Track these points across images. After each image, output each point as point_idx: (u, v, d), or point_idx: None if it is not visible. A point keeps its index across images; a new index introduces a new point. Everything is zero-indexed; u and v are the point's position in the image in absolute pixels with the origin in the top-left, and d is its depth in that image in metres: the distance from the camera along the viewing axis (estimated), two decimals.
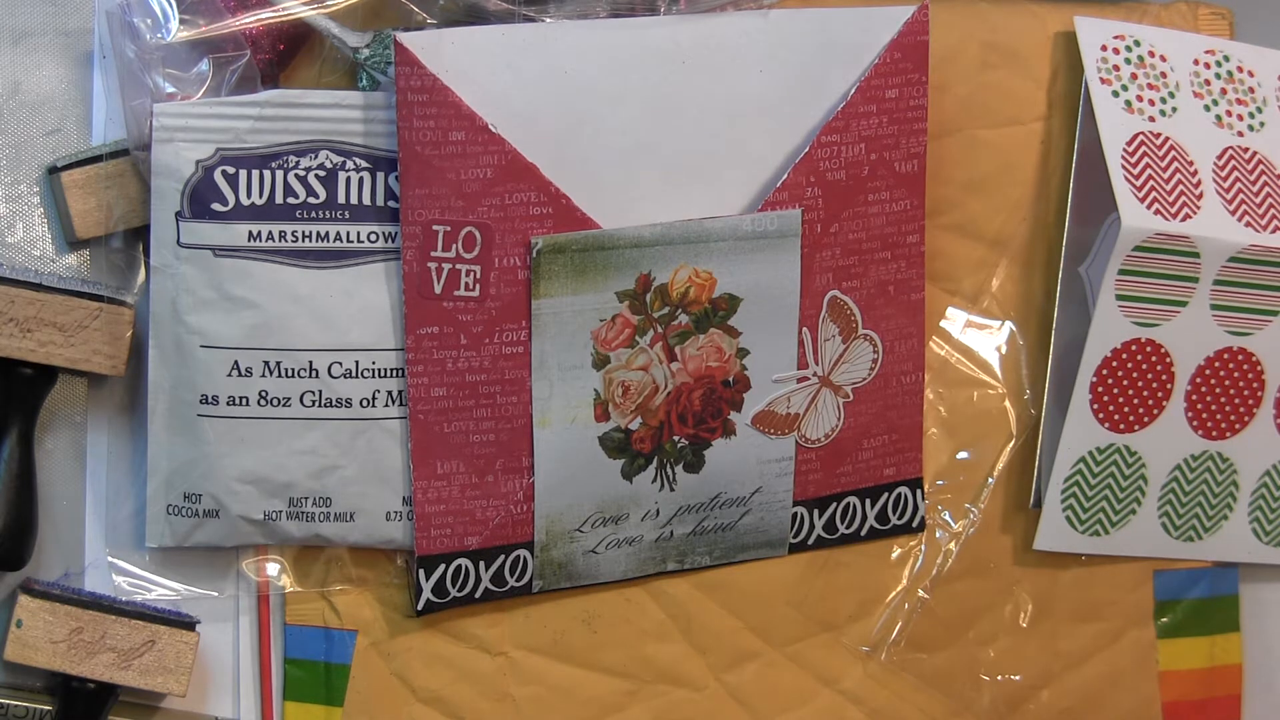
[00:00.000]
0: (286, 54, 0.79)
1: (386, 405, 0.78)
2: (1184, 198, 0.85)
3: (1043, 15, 0.88)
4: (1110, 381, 0.86)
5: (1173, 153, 0.86)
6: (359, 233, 0.78)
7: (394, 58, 0.75)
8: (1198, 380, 0.87)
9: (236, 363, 0.78)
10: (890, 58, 0.81)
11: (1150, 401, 0.87)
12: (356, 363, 0.78)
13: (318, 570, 0.82)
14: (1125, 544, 0.89)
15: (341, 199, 0.78)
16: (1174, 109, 0.87)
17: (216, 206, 0.77)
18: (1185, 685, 0.91)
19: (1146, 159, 0.85)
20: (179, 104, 0.77)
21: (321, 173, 0.77)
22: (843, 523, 0.87)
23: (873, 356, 0.84)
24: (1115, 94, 0.86)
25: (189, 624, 0.79)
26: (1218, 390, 0.88)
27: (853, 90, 0.80)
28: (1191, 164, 0.86)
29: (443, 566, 0.80)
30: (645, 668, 0.85)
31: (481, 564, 0.81)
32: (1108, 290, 0.85)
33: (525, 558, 0.82)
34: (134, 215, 0.78)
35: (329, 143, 0.77)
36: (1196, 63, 0.88)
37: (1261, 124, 0.88)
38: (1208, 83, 0.88)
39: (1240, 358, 0.87)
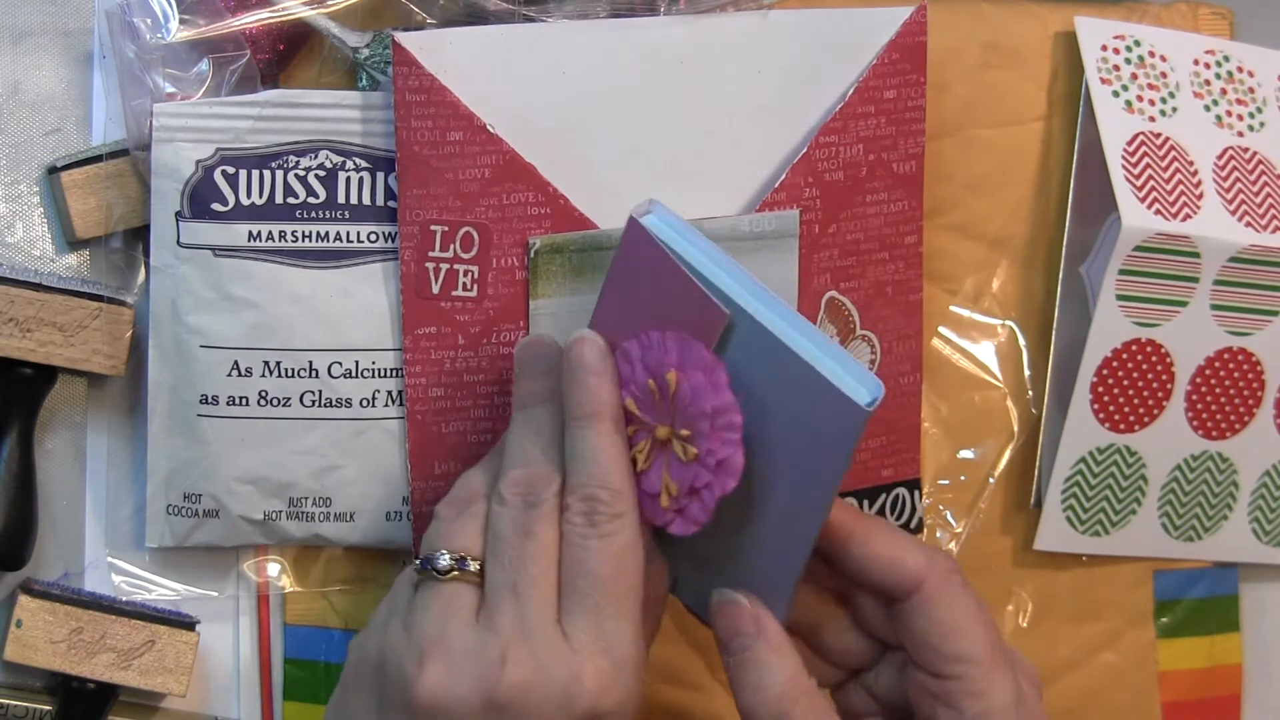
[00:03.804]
0: (286, 54, 0.79)
1: (386, 405, 0.79)
2: (1184, 198, 0.85)
3: (1043, 15, 0.88)
4: (1110, 381, 0.86)
5: (1173, 153, 0.86)
6: (359, 233, 0.78)
7: (392, 58, 0.75)
8: (1198, 380, 0.87)
9: (236, 363, 0.78)
10: (888, 58, 0.81)
11: (1150, 401, 0.87)
12: (356, 363, 0.78)
13: (318, 570, 0.82)
14: (1125, 544, 0.89)
15: (341, 199, 0.78)
16: (1174, 109, 0.87)
17: (216, 206, 0.77)
18: (1185, 685, 0.91)
19: (1147, 159, 0.85)
20: (179, 104, 0.77)
21: (321, 173, 0.77)
22: None
23: (871, 357, 0.84)
24: (1115, 94, 0.86)
25: (189, 624, 0.79)
26: (1218, 390, 0.88)
27: (850, 91, 0.80)
28: (1191, 164, 0.86)
29: None
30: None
31: None
32: (1108, 290, 0.85)
33: None
34: (134, 215, 0.79)
35: (329, 143, 0.77)
36: (1196, 63, 0.88)
37: (1261, 124, 0.88)
38: (1208, 83, 0.88)
39: (1240, 358, 0.87)
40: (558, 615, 0.65)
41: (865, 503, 0.86)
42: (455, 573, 0.66)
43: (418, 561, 0.68)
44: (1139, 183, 0.84)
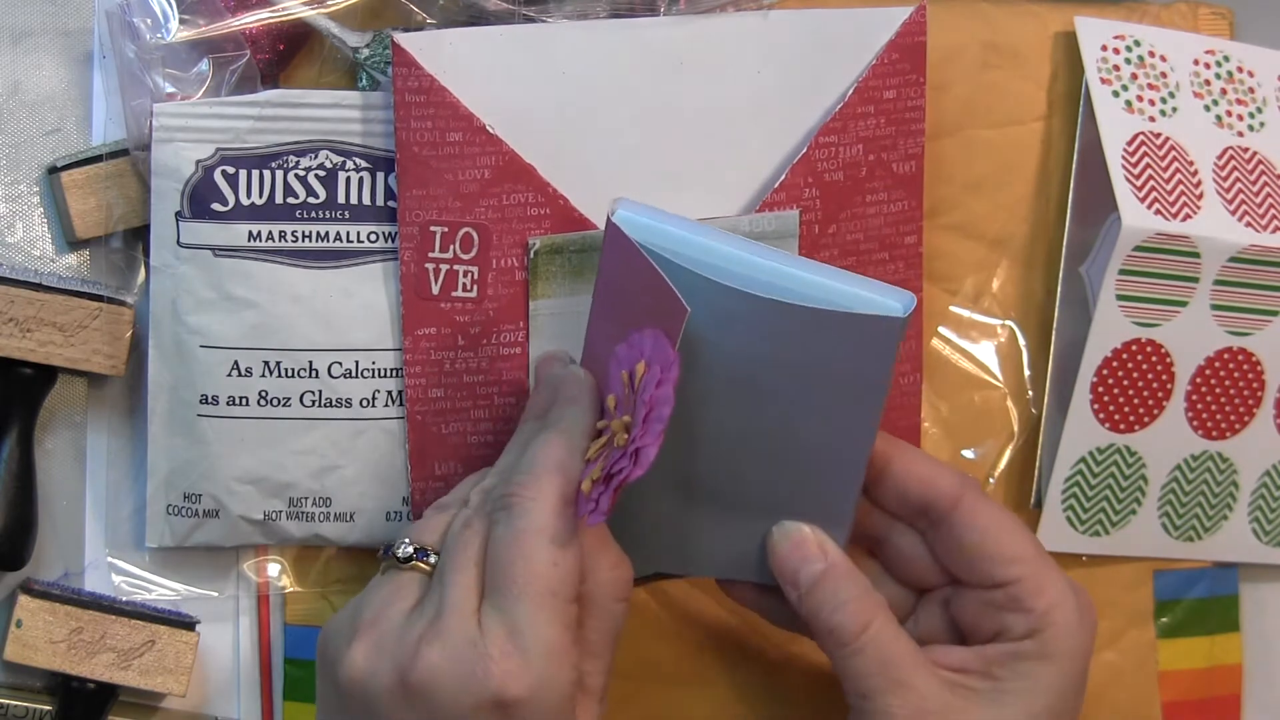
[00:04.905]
0: (286, 54, 0.79)
1: (386, 405, 0.79)
2: (1184, 198, 0.85)
3: (1043, 15, 0.88)
4: (1110, 381, 0.86)
5: (1173, 153, 0.86)
6: (359, 233, 0.78)
7: (392, 58, 0.75)
8: (1198, 380, 0.87)
9: (236, 363, 0.78)
10: (888, 58, 0.81)
11: (1150, 401, 0.87)
12: (356, 363, 0.78)
13: (318, 570, 0.82)
14: (1125, 544, 0.89)
15: (341, 199, 0.78)
16: (1174, 109, 0.87)
17: (216, 206, 0.77)
18: (1185, 685, 0.91)
19: (1147, 159, 0.85)
20: (179, 104, 0.77)
21: (321, 173, 0.77)
22: None
23: None
24: (1115, 94, 0.86)
25: (189, 624, 0.79)
26: (1218, 390, 0.87)
27: (850, 91, 0.80)
28: (1191, 164, 0.86)
29: None
30: (645, 668, 0.85)
31: None
32: (1108, 290, 0.85)
33: None
34: (134, 215, 0.79)
35: (329, 143, 0.78)
36: (1196, 63, 0.88)
37: (1261, 124, 0.88)
38: (1208, 83, 0.88)
39: (1240, 358, 0.87)
40: (479, 603, 0.66)
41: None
42: (413, 562, 0.68)
43: (382, 550, 0.69)
44: (1139, 183, 0.84)
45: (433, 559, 0.68)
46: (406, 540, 0.68)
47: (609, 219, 0.67)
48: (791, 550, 0.72)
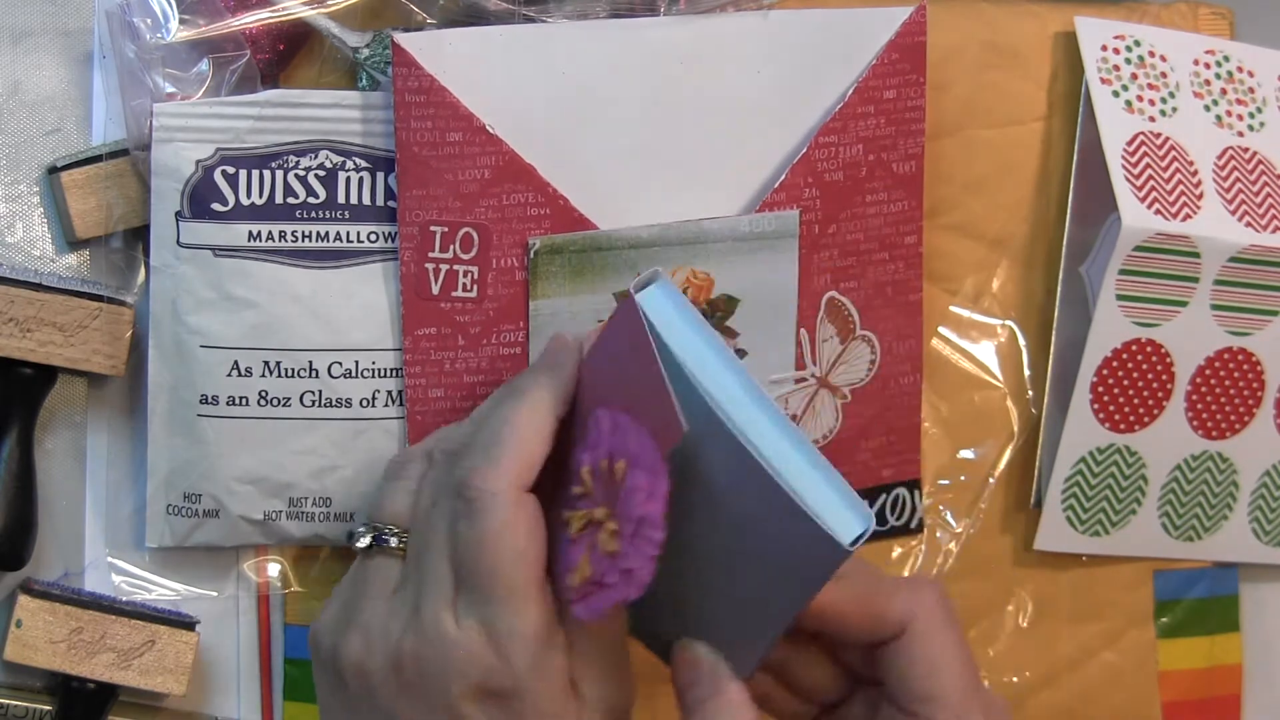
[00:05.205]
0: (286, 54, 0.79)
1: (386, 405, 0.79)
2: (1184, 198, 0.85)
3: (1043, 15, 0.88)
4: (1110, 381, 0.86)
5: (1173, 153, 0.86)
6: (359, 233, 0.78)
7: (392, 58, 0.75)
8: (1198, 380, 0.87)
9: (236, 363, 0.78)
10: (888, 58, 0.81)
11: (1150, 401, 0.87)
12: (356, 363, 0.78)
13: (317, 570, 0.82)
14: (1125, 544, 0.89)
15: (341, 199, 0.78)
16: (1174, 109, 0.87)
17: (216, 206, 0.77)
18: (1185, 685, 0.91)
19: (1147, 159, 0.85)
20: (179, 104, 0.77)
21: (321, 173, 0.77)
22: None
23: (870, 358, 0.84)
24: (1115, 94, 0.86)
25: (189, 624, 0.79)
26: (1218, 390, 0.88)
27: (850, 91, 0.80)
28: (1191, 164, 0.86)
29: None
30: (645, 668, 0.85)
31: None
32: (1108, 290, 0.85)
33: None
34: (134, 215, 0.79)
35: (329, 143, 0.77)
36: (1196, 63, 0.88)
37: (1261, 124, 0.88)
38: (1208, 83, 0.88)
39: (1240, 358, 0.87)
40: (454, 594, 0.66)
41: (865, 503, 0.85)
42: (375, 547, 0.69)
43: (346, 536, 0.70)
44: (1139, 183, 0.84)
45: (393, 541, 0.68)
46: (362, 529, 0.69)
47: (631, 295, 0.64)
48: (684, 669, 0.70)
